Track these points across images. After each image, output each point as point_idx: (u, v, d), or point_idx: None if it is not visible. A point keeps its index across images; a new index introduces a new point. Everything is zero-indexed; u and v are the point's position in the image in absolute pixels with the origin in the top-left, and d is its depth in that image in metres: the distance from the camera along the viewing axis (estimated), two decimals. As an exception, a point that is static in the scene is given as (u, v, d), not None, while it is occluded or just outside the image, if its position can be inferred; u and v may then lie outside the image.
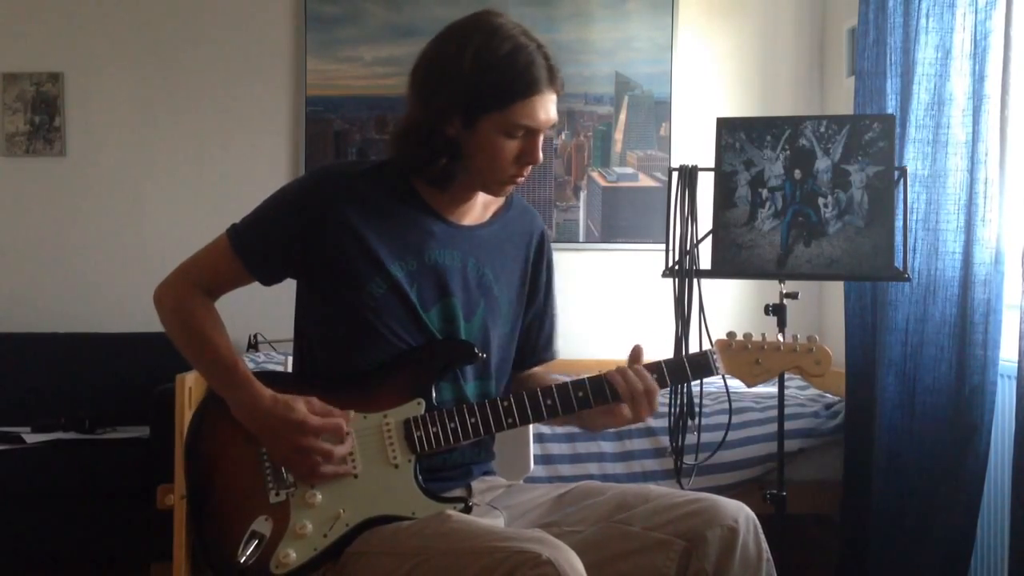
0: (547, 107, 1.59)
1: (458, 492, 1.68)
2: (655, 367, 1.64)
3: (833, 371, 3.36)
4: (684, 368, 1.65)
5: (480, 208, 1.74)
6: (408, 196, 1.67)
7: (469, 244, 1.70)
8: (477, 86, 1.55)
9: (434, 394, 1.62)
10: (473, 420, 1.60)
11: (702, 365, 1.66)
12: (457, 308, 1.67)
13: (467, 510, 1.58)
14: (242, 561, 1.53)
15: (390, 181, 1.66)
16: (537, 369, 1.87)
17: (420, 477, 1.59)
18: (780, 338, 1.72)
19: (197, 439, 1.67)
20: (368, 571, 1.51)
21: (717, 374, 1.68)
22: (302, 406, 1.55)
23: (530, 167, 1.64)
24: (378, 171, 1.67)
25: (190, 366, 2.68)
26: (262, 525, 1.56)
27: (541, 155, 1.62)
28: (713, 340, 1.72)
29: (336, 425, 1.56)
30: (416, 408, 1.60)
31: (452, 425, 1.59)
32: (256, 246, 1.64)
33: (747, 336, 1.69)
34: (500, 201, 1.76)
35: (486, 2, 3.77)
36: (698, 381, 2.47)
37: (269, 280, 1.69)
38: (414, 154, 1.63)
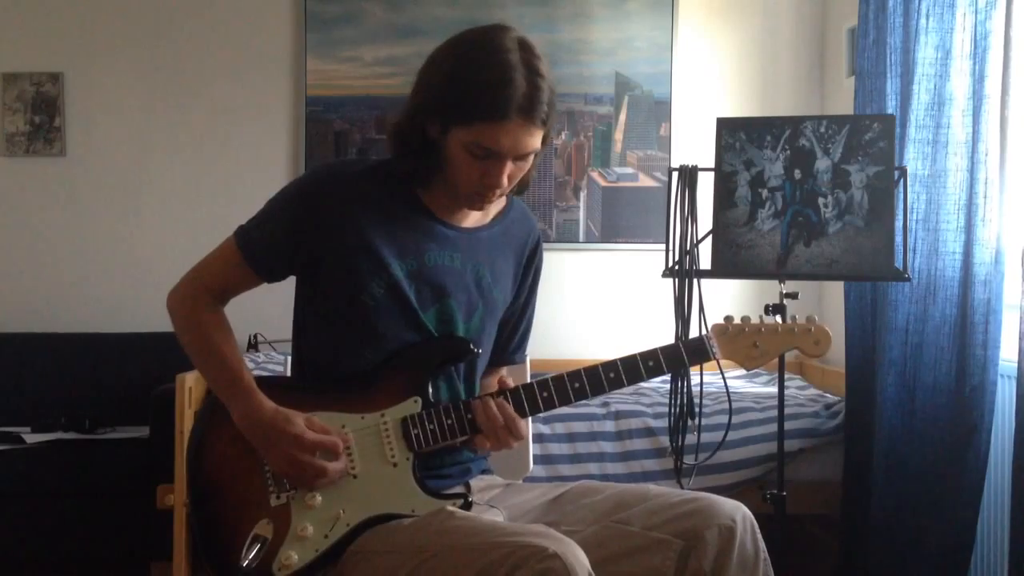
0: (514, 136, 1.52)
1: (457, 490, 1.68)
2: (651, 354, 1.63)
3: (833, 371, 3.39)
4: (680, 354, 1.65)
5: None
6: (409, 197, 1.67)
7: (470, 246, 1.70)
8: (448, 95, 1.53)
9: (431, 391, 1.62)
10: (469, 416, 1.60)
11: (699, 350, 1.65)
12: (455, 309, 1.68)
13: (467, 506, 1.59)
14: (244, 565, 1.53)
15: (391, 181, 1.66)
16: (502, 371, 1.87)
17: (419, 475, 1.59)
18: (777, 319, 1.71)
19: (200, 443, 1.67)
20: (371, 570, 1.52)
21: (714, 358, 1.66)
22: (300, 421, 1.56)
23: (495, 190, 1.59)
24: (379, 170, 1.67)
25: (190, 366, 2.70)
26: (264, 528, 1.56)
27: (505, 181, 1.57)
28: (710, 325, 1.71)
29: (332, 443, 1.56)
30: (413, 406, 1.61)
31: (449, 422, 1.60)
32: (261, 246, 1.65)
33: (745, 319, 1.69)
34: (502, 203, 1.76)
35: (486, 2, 3.81)
36: (698, 380, 2.50)
37: (273, 278, 1.69)
38: (393, 147, 1.64)
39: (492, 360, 1.82)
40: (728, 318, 1.69)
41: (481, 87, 1.50)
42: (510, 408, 1.60)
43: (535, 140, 1.55)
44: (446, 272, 1.67)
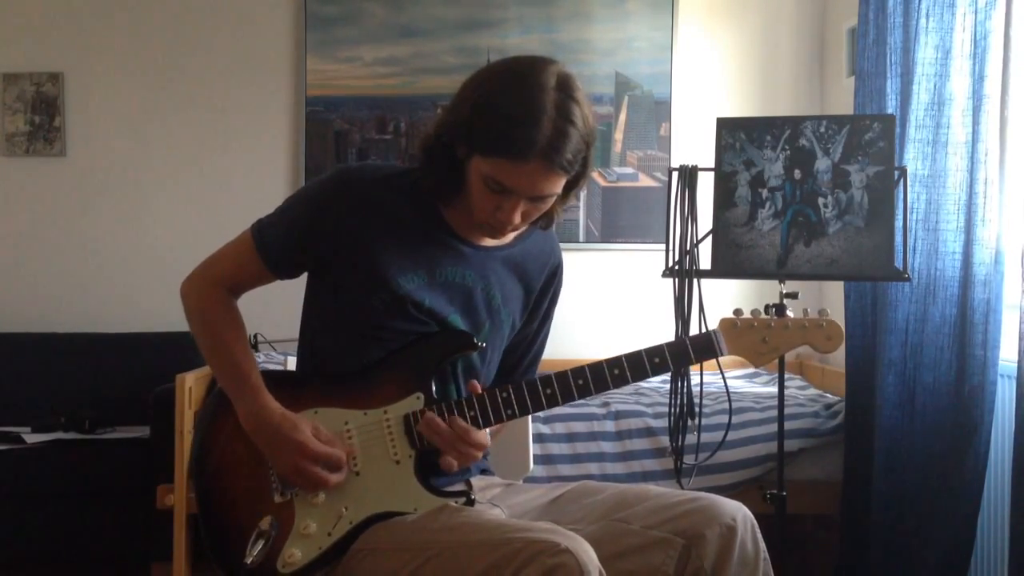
0: (531, 178, 1.49)
1: (459, 487, 1.68)
2: (658, 351, 1.61)
3: (833, 371, 3.40)
4: (687, 350, 1.61)
5: None
6: (428, 211, 1.65)
7: (484, 265, 1.68)
8: (475, 123, 1.51)
9: (434, 388, 1.62)
10: (472, 413, 1.59)
11: (706, 347, 1.62)
12: (461, 326, 1.66)
13: (470, 503, 1.58)
14: (248, 562, 1.53)
15: (413, 192, 1.64)
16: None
17: (421, 472, 1.59)
18: (789, 314, 1.67)
19: (205, 439, 1.67)
20: (375, 568, 1.52)
21: (722, 355, 1.63)
22: (307, 428, 1.56)
23: (508, 226, 1.56)
24: (403, 179, 1.65)
25: (190, 366, 2.70)
26: (268, 525, 1.56)
27: (517, 219, 1.54)
28: (719, 319, 1.65)
29: (336, 457, 1.56)
30: (415, 403, 1.60)
31: (451, 417, 1.59)
32: (275, 243, 1.64)
33: (754, 313, 1.64)
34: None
35: (486, 2, 3.81)
36: (698, 380, 2.50)
37: (286, 275, 1.69)
38: (420, 159, 1.62)
39: (500, 380, 1.79)
40: (737, 311, 1.64)
41: (505, 123, 1.47)
42: (459, 420, 1.57)
43: (554, 185, 1.52)
44: (455, 289, 1.66)
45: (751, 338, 1.63)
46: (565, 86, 1.50)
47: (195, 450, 1.67)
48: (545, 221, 1.67)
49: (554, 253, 1.79)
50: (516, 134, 1.46)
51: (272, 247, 1.65)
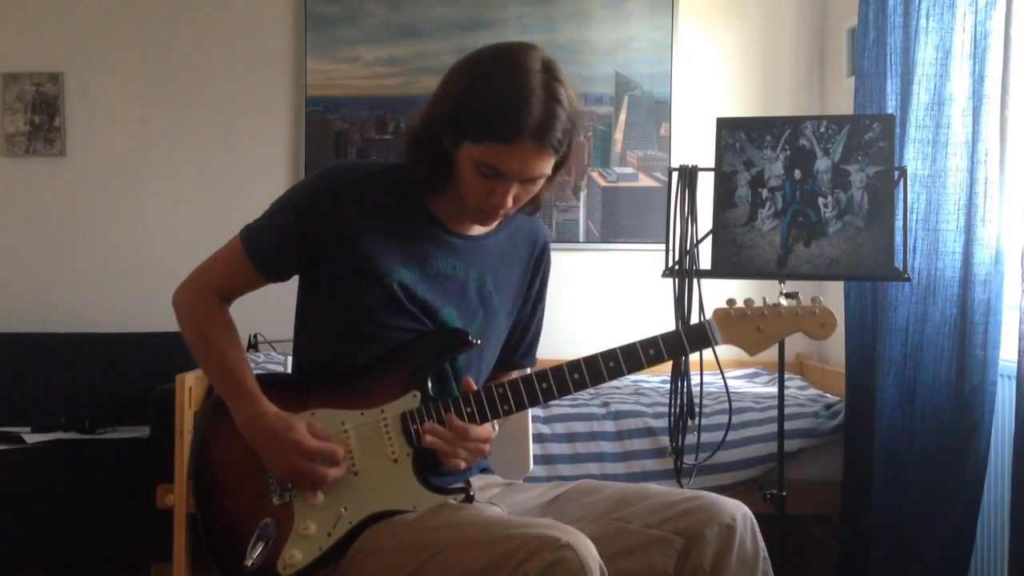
0: (523, 159, 1.51)
1: (458, 486, 1.68)
2: (652, 342, 1.60)
3: (833, 371, 3.40)
4: (681, 340, 1.61)
5: None
6: (415, 204, 1.66)
7: (474, 255, 1.69)
8: (463, 109, 1.52)
9: (430, 385, 1.62)
10: (469, 410, 1.59)
11: (700, 336, 1.61)
12: (455, 319, 1.67)
13: (469, 500, 1.58)
14: (249, 564, 1.53)
15: (399, 187, 1.65)
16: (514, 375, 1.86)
17: (420, 471, 1.59)
18: (783, 302, 1.67)
19: (203, 442, 1.67)
20: (376, 567, 1.52)
21: (717, 344, 1.62)
22: (302, 427, 1.56)
23: (500, 210, 1.58)
24: (388, 175, 1.66)
25: (190, 366, 2.70)
26: (267, 527, 1.56)
27: (509, 202, 1.56)
28: (712, 310, 1.65)
29: (332, 451, 1.56)
30: (412, 401, 1.60)
31: (448, 416, 1.59)
32: (266, 247, 1.65)
33: (748, 302, 1.63)
34: None
35: (486, 2, 3.81)
36: (698, 380, 2.50)
37: (278, 278, 1.70)
38: (407, 152, 1.63)
39: (501, 364, 1.81)
40: (731, 301, 1.64)
41: (496, 106, 1.48)
42: (456, 420, 1.57)
43: (545, 166, 1.54)
44: (447, 281, 1.66)
45: (745, 327, 1.63)
46: (550, 68, 1.53)
47: (193, 453, 1.67)
48: (532, 206, 1.69)
49: (539, 232, 1.81)
50: (507, 116, 1.48)
51: (262, 251, 1.65)
